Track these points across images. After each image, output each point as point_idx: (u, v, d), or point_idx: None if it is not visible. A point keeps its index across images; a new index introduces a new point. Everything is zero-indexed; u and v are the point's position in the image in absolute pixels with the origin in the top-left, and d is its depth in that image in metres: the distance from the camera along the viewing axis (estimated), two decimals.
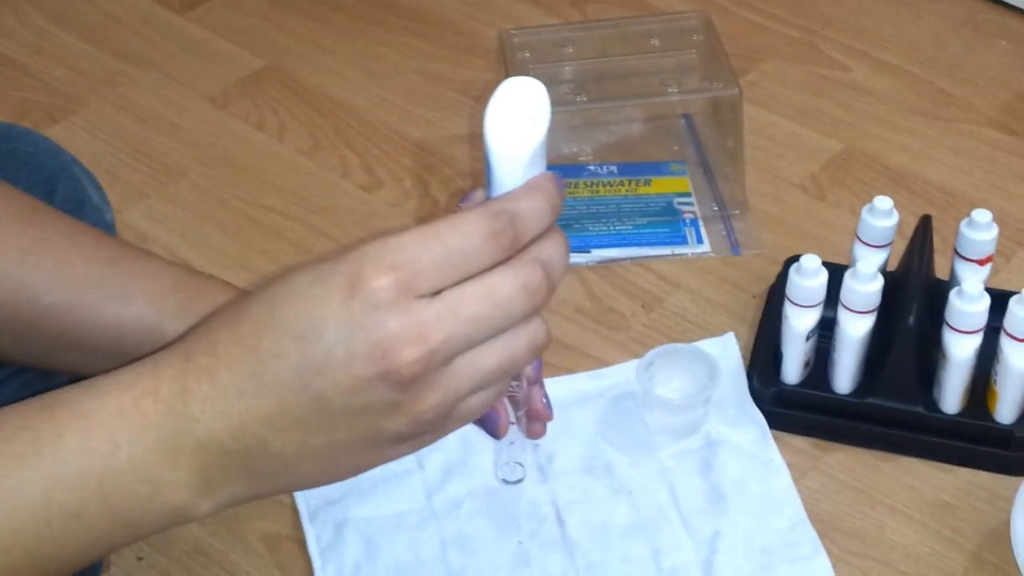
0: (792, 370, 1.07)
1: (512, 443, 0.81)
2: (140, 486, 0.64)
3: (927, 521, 1.01)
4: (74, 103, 1.41)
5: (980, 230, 1.04)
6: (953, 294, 0.99)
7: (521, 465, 0.84)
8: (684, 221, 1.26)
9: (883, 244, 1.07)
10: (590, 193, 1.28)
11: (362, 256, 0.60)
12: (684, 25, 1.33)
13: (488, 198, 0.63)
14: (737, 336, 1.13)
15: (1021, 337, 0.99)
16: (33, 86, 1.44)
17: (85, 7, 1.54)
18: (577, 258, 1.22)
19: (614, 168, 1.31)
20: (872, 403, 1.05)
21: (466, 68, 1.45)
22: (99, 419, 0.64)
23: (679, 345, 1.09)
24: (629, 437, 1.06)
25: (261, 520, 1.02)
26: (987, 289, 1.00)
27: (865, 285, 1.01)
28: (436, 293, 0.60)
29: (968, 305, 0.98)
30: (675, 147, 1.34)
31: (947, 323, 1.00)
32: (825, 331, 1.05)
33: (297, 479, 0.66)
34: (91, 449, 0.63)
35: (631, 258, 1.23)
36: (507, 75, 1.25)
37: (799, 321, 1.03)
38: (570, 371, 1.12)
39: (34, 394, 0.67)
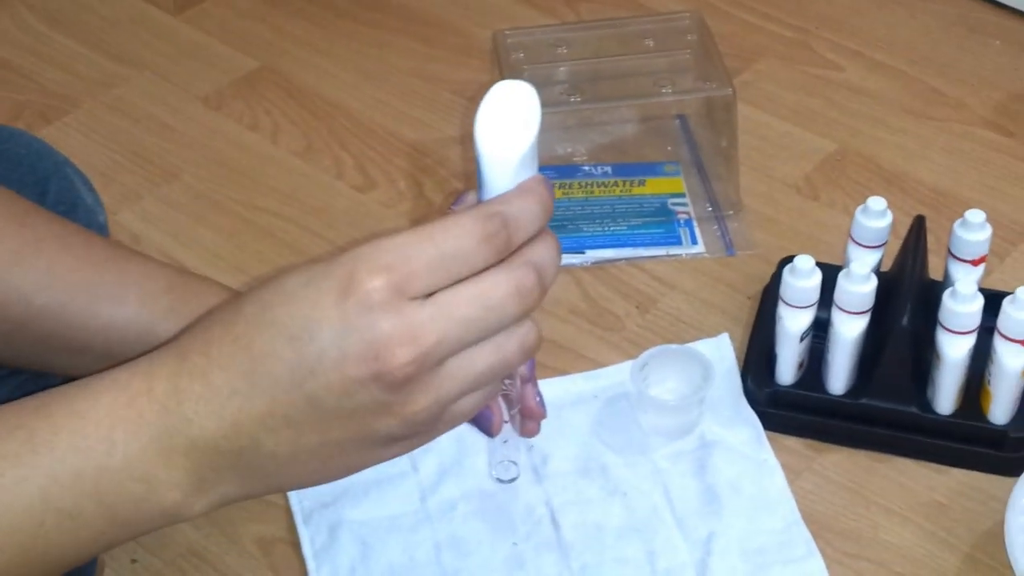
0: (786, 371, 1.07)
1: (506, 442, 0.81)
2: (134, 485, 0.64)
3: (921, 522, 1.02)
4: (68, 104, 1.41)
5: (974, 230, 1.04)
6: (947, 295, 0.99)
7: (515, 464, 0.84)
8: (678, 222, 1.26)
9: (877, 244, 1.07)
10: (584, 194, 1.28)
11: (356, 257, 0.61)
12: (678, 25, 1.33)
13: (480, 200, 0.63)
14: (731, 337, 1.13)
15: (1015, 338, 0.99)
16: (27, 87, 1.43)
17: (79, 8, 1.54)
18: (571, 259, 1.22)
19: (608, 169, 1.31)
20: (866, 404, 1.05)
21: (460, 69, 1.45)
22: (94, 418, 0.64)
23: (673, 346, 1.09)
24: (623, 438, 1.06)
25: (255, 522, 1.02)
26: (981, 289, 1.00)
27: (859, 286, 1.01)
28: (429, 295, 0.60)
29: (962, 306, 0.99)
30: (669, 147, 1.34)
31: (941, 324, 1.00)
32: (819, 332, 1.05)
33: (290, 479, 0.66)
34: (86, 448, 0.63)
35: (625, 259, 1.23)
36: (501, 75, 1.26)
37: (793, 322, 1.03)
38: (564, 372, 1.12)
39: (29, 395, 0.67)
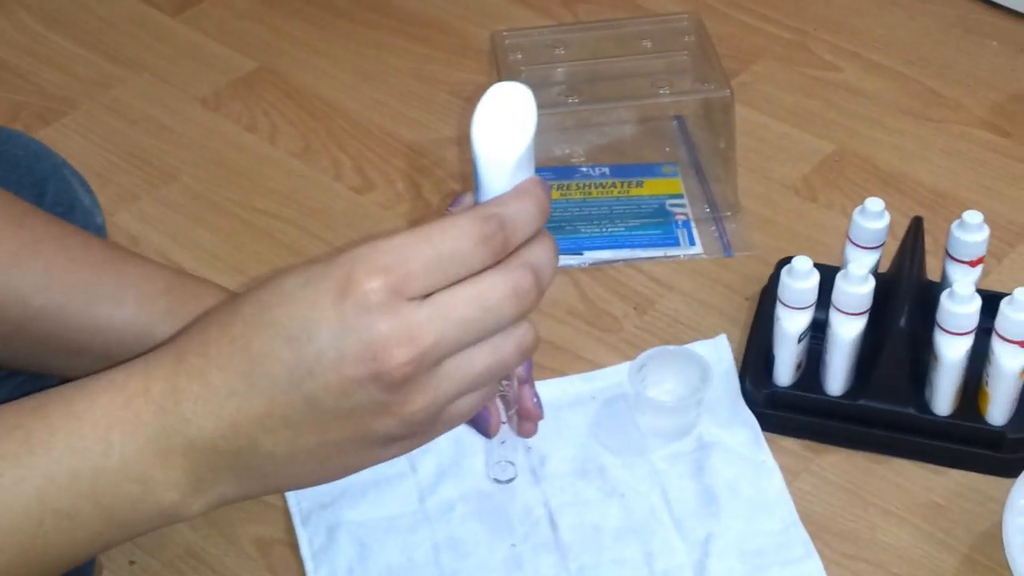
0: (784, 372, 1.07)
1: (503, 442, 0.81)
2: (132, 485, 0.64)
3: (919, 523, 1.02)
4: (66, 105, 1.41)
5: (971, 231, 1.04)
6: (944, 296, 0.99)
7: (512, 464, 0.84)
8: (676, 223, 1.26)
9: (874, 246, 1.07)
10: (582, 195, 1.28)
11: (353, 258, 0.61)
12: (676, 26, 1.33)
13: (477, 202, 0.63)
14: (729, 338, 1.13)
15: (1012, 339, 0.99)
16: (24, 88, 1.43)
17: (77, 9, 1.54)
18: (569, 260, 1.22)
19: (606, 170, 1.31)
20: (864, 405, 1.05)
21: (458, 70, 1.45)
22: (91, 419, 0.64)
23: (671, 347, 1.09)
24: (621, 439, 1.06)
25: (253, 524, 1.02)
26: (978, 290, 1.00)
27: (857, 287, 1.01)
28: (427, 296, 0.61)
29: (959, 307, 0.99)
30: (667, 149, 1.34)
31: (938, 325, 1.00)
32: (817, 333, 1.05)
33: (288, 479, 0.66)
34: (83, 448, 0.64)
35: (623, 260, 1.23)
36: (499, 76, 1.26)
37: (791, 323, 1.03)
38: (562, 373, 1.12)
39: (26, 396, 0.67)
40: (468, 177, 1.31)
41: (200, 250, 1.25)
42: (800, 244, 1.22)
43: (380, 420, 0.62)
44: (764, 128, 1.37)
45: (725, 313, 1.18)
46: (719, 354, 1.12)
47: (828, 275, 1.03)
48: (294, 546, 1.00)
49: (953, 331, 0.99)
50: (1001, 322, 0.99)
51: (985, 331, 1.01)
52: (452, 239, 0.61)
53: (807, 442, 1.07)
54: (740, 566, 0.97)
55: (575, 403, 1.09)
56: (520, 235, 0.62)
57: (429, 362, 0.61)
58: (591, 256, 1.23)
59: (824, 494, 1.04)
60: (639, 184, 1.30)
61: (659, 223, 1.26)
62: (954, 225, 1.05)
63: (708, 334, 1.14)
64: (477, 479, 1.03)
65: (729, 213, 1.26)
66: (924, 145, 1.34)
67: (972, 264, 1.05)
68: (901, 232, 1.09)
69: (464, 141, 1.35)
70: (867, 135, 1.36)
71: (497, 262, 0.62)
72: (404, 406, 0.62)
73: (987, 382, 1.02)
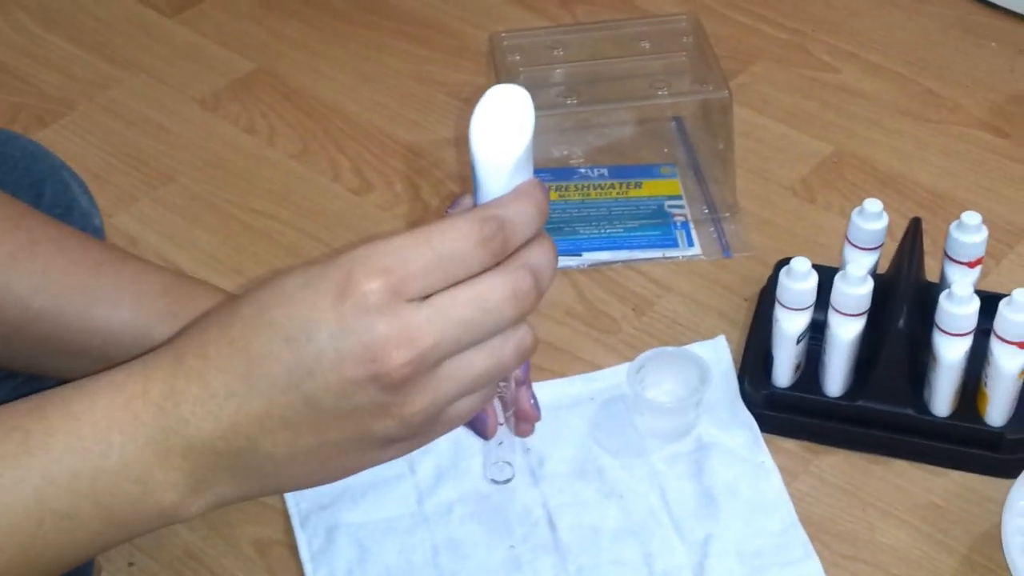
0: (783, 373, 1.07)
1: (501, 443, 0.82)
2: (131, 486, 0.64)
3: (918, 524, 1.02)
4: (64, 107, 1.41)
5: (970, 232, 1.05)
6: (943, 297, 0.99)
7: (510, 465, 0.84)
8: (675, 224, 1.26)
9: (873, 247, 1.07)
10: (581, 196, 1.28)
11: (353, 259, 0.61)
12: (674, 28, 1.33)
13: (475, 204, 0.63)
14: (728, 339, 1.13)
15: (1011, 339, 0.99)
16: (23, 90, 1.43)
17: (75, 11, 1.54)
18: (568, 261, 1.22)
19: (604, 171, 1.31)
20: (863, 406, 1.05)
21: (456, 71, 1.45)
22: (90, 419, 0.64)
23: (670, 348, 1.09)
24: (620, 440, 1.06)
25: (252, 525, 1.02)
26: (977, 291, 1.00)
27: (855, 288, 1.01)
28: (426, 297, 0.61)
29: (958, 308, 0.99)
30: (665, 150, 1.34)
31: (937, 326, 1.00)
32: (816, 334, 1.05)
33: (287, 480, 0.66)
34: (82, 449, 0.64)
35: (622, 261, 1.23)
36: (497, 78, 1.26)
37: (790, 324, 1.03)
38: (561, 374, 1.12)
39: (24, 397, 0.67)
40: (466, 178, 1.31)
41: (198, 251, 1.25)
42: (799, 245, 1.22)
43: (379, 421, 0.62)
44: (763, 129, 1.37)
45: (724, 314, 1.18)
46: (718, 355, 1.12)
47: (827, 276, 1.03)
48: (293, 547, 1.00)
49: (952, 332, 0.99)
50: (1000, 323, 0.99)
51: (984, 332, 1.01)
52: (451, 240, 0.61)
53: (806, 443, 1.07)
54: (739, 567, 0.97)
55: (574, 404, 1.09)
56: (519, 237, 0.62)
57: (428, 363, 0.61)
58: (590, 257, 1.23)
59: (823, 495, 1.04)
60: (638, 185, 1.30)
61: (658, 224, 1.26)
62: (953, 226, 1.05)
63: (707, 335, 1.14)
64: (476, 480, 1.03)
65: (728, 214, 1.26)
66: (923, 146, 1.34)
67: (971, 265, 1.05)
68: (900, 233, 1.09)
69: (462, 142, 1.36)
70: (866, 136, 1.36)
71: (496, 264, 0.62)
72: (403, 407, 0.62)
73: (986, 383, 1.02)
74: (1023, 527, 0.96)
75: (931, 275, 1.10)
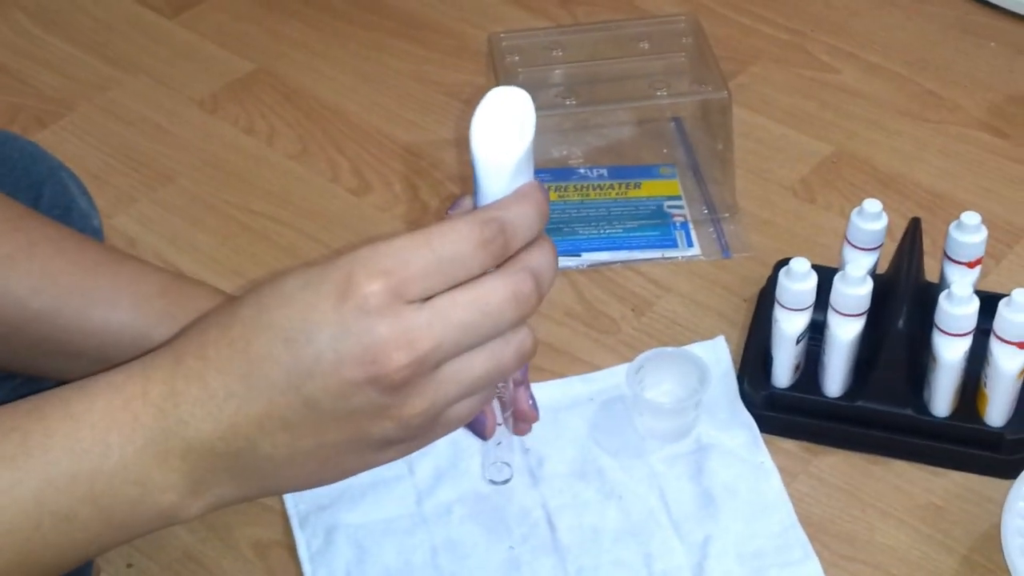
0: (782, 374, 1.07)
1: (499, 444, 0.82)
2: (130, 488, 0.64)
3: (918, 524, 1.02)
4: (63, 108, 1.41)
5: (969, 233, 1.04)
6: (942, 297, 0.99)
7: (508, 465, 0.84)
8: (674, 224, 1.26)
9: (872, 247, 1.07)
10: (580, 196, 1.28)
11: (353, 261, 0.61)
12: (673, 28, 1.33)
13: (476, 205, 0.63)
14: (727, 340, 1.13)
15: (1010, 340, 0.99)
16: (22, 91, 1.43)
17: (74, 12, 1.54)
18: (567, 262, 1.22)
19: (604, 171, 1.31)
20: (862, 406, 1.05)
21: (455, 71, 1.44)
22: (89, 420, 0.64)
23: (669, 349, 1.09)
24: (619, 441, 1.06)
25: (251, 526, 1.02)
26: (976, 292, 1.00)
27: (855, 288, 1.01)
28: (426, 300, 0.61)
29: (957, 308, 0.99)
30: (665, 150, 1.34)
31: (937, 326, 1.00)
32: (815, 334, 1.05)
33: (286, 482, 0.66)
34: (81, 451, 0.64)
35: (621, 262, 1.23)
36: (496, 78, 1.26)
37: (789, 324, 1.03)
38: (560, 375, 1.11)
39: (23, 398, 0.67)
40: (466, 179, 1.31)
41: (198, 252, 1.25)
42: (798, 245, 1.22)
43: (378, 423, 0.62)
44: (762, 130, 1.37)
45: (723, 315, 1.18)
46: (717, 356, 1.12)
47: (826, 276, 1.03)
48: (292, 548, 1.00)
49: (951, 332, 0.99)
50: (999, 323, 0.99)
51: (983, 332, 1.01)
52: (452, 242, 0.61)
53: (805, 444, 1.07)
54: (739, 568, 0.97)
55: (573, 405, 1.09)
56: (520, 239, 0.62)
57: (428, 366, 0.61)
58: (589, 258, 1.23)
59: (822, 496, 1.03)
60: (637, 186, 1.30)
61: (657, 225, 1.26)
62: (952, 226, 1.05)
63: (706, 336, 1.14)
64: (475, 481, 1.03)
65: (727, 215, 1.26)
66: (922, 146, 1.34)
67: (970, 265, 1.05)
68: (899, 233, 1.09)
69: (461, 143, 1.36)
70: (865, 136, 1.36)
71: (497, 266, 0.62)
72: (402, 409, 0.62)
73: (985, 383, 1.02)
74: (1023, 528, 0.96)
75: (931, 275, 1.10)
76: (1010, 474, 1.01)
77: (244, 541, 1.01)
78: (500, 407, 0.78)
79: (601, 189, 1.29)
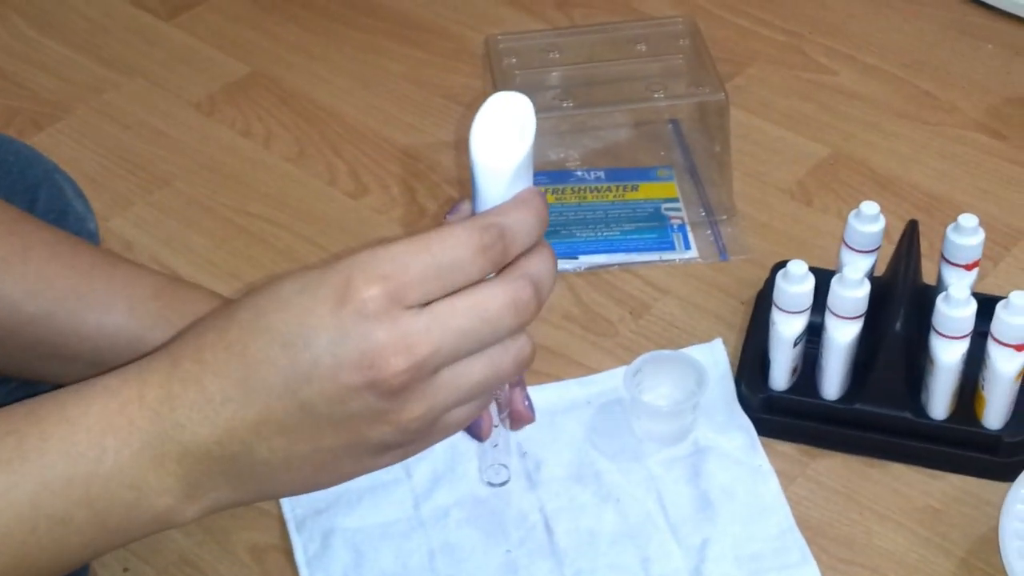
0: (780, 376, 1.07)
1: (496, 445, 0.82)
2: (126, 491, 0.64)
3: (915, 527, 1.01)
4: (59, 110, 1.41)
5: (967, 235, 1.04)
6: (940, 299, 0.99)
7: (505, 467, 0.84)
8: (672, 227, 1.26)
9: (870, 249, 1.07)
10: (577, 199, 1.28)
11: (352, 265, 0.61)
12: (670, 30, 1.33)
13: (474, 210, 0.63)
14: (725, 342, 1.13)
15: (1008, 342, 0.99)
16: (18, 94, 1.43)
17: (70, 14, 1.54)
18: (565, 264, 1.22)
19: (601, 174, 1.31)
20: (860, 409, 1.05)
21: (453, 74, 1.44)
22: (85, 424, 0.64)
23: (667, 352, 1.09)
24: (617, 444, 1.06)
25: (248, 530, 1.01)
26: (974, 294, 1.00)
27: (852, 291, 1.01)
28: (425, 305, 0.60)
29: (955, 310, 0.98)
30: (662, 152, 1.34)
31: (934, 328, 1.00)
32: (813, 337, 1.05)
33: (282, 486, 0.66)
34: (77, 454, 0.63)
35: (619, 264, 1.23)
36: (493, 81, 1.26)
37: (786, 327, 1.03)
38: (558, 378, 1.11)
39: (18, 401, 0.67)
40: (463, 182, 1.31)
41: (194, 255, 1.25)
42: (795, 248, 1.22)
43: (376, 428, 0.62)
44: (759, 132, 1.36)
45: (721, 317, 1.18)
46: (715, 358, 1.12)
47: (824, 279, 1.03)
48: (289, 553, 1.00)
49: (949, 335, 0.99)
50: (997, 325, 0.99)
51: (981, 335, 1.01)
52: (451, 248, 0.61)
53: (803, 446, 1.07)
54: (736, 571, 0.97)
55: (570, 408, 1.09)
56: (519, 245, 0.62)
57: (426, 371, 0.61)
58: (586, 260, 1.23)
59: (820, 499, 1.03)
60: (634, 188, 1.29)
61: (654, 227, 1.26)
62: (949, 228, 1.05)
63: (704, 338, 1.14)
64: (472, 485, 1.02)
65: (724, 217, 1.26)
66: (919, 148, 1.34)
67: (968, 267, 1.05)
68: (896, 235, 1.09)
69: (459, 145, 1.36)
70: (862, 138, 1.36)
71: (496, 272, 0.62)
72: (400, 414, 0.62)
73: (983, 386, 1.02)
74: (1021, 530, 0.96)
75: (928, 278, 1.10)
76: (1008, 477, 1.01)
77: (241, 545, 1.01)
78: (496, 408, 0.78)
79: (598, 191, 1.29)
